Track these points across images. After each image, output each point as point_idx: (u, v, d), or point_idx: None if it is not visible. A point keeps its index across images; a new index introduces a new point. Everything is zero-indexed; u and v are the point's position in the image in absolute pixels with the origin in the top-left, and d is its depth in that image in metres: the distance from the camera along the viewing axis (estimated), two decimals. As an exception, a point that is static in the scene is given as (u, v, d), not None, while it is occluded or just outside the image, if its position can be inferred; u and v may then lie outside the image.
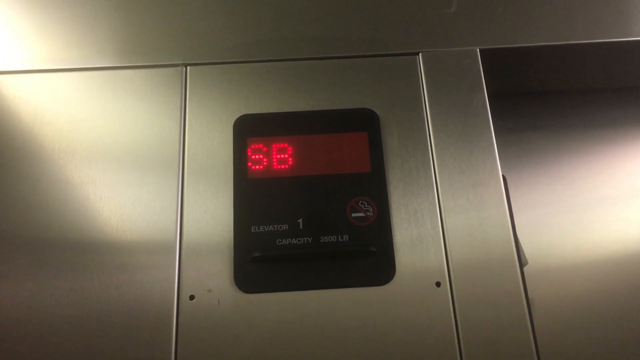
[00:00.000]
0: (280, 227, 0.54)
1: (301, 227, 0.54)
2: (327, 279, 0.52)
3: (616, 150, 0.75)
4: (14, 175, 0.56)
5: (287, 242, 0.54)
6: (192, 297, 0.52)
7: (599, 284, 0.68)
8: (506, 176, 0.57)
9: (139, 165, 0.57)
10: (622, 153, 0.75)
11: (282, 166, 0.56)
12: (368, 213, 0.55)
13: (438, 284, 0.52)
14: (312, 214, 0.54)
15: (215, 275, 0.53)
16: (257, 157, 0.57)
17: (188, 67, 0.61)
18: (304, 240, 0.54)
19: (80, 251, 0.53)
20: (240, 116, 0.59)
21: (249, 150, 0.57)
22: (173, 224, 0.54)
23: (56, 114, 0.59)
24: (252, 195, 0.55)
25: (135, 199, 0.55)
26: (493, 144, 0.58)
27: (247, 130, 0.58)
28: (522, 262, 0.53)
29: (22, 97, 0.60)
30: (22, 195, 0.55)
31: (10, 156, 0.57)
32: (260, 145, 0.57)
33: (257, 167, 0.56)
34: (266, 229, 0.54)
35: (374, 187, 0.56)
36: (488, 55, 0.62)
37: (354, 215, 0.54)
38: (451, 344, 0.51)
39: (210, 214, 0.55)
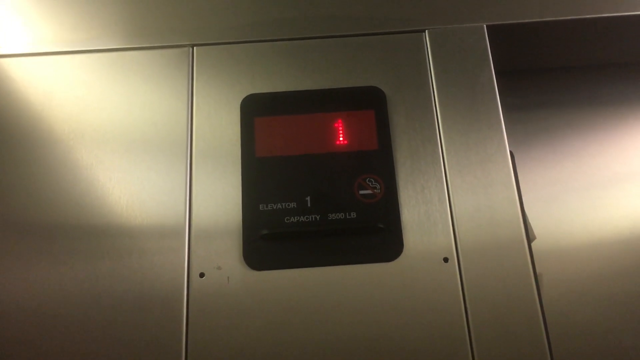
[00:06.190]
0: (289, 205, 0.54)
1: (309, 205, 0.54)
2: (335, 255, 0.53)
3: (626, 126, 0.74)
4: (24, 159, 0.57)
5: (295, 219, 0.54)
6: (202, 275, 0.52)
7: (608, 261, 0.68)
8: (514, 153, 0.57)
9: (148, 146, 0.57)
10: (633, 129, 0.74)
11: (290, 145, 0.57)
12: (375, 190, 0.55)
13: (446, 260, 0.52)
14: (319, 192, 0.55)
15: (224, 254, 0.53)
16: (264, 136, 0.57)
17: (195, 48, 0.61)
18: (312, 217, 0.54)
19: (90, 231, 0.54)
20: (247, 96, 0.59)
21: (256, 129, 0.57)
22: (182, 203, 0.55)
23: (65, 97, 0.59)
24: (260, 174, 0.56)
25: (144, 179, 0.56)
26: (500, 120, 0.57)
27: (255, 110, 0.58)
28: (529, 237, 0.53)
29: (31, 81, 0.60)
30: (33, 179, 0.56)
31: (20, 139, 0.58)
32: (268, 125, 0.58)
33: (265, 146, 0.57)
34: (274, 207, 0.54)
35: (381, 165, 0.56)
36: (495, 32, 0.62)
37: (361, 192, 0.55)
38: (459, 318, 0.51)
39: (219, 193, 0.55)
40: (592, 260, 0.68)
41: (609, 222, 0.70)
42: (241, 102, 0.59)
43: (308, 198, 0.54)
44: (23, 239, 0.54)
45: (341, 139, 0.57)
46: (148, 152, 0.57)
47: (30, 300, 0.52)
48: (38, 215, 0.55)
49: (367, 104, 0.58)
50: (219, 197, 0.55)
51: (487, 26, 0.62)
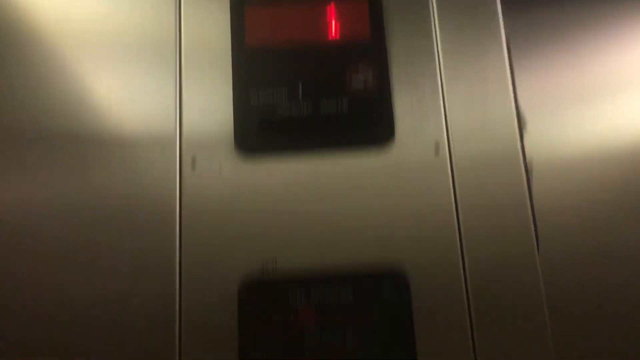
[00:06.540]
0: (280, 95, 0.54)
1: (301, 95, 0.54)
2: (326, 142, 0.53)
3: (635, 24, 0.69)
4: (8, 62, 0.55)
5: (287, 109, 0.53)
6: (193, 167, 0.52)
7: (606, 176, 0.66)
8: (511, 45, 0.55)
9: (136, 40, 0.56)
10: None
11: (281, 34, 0.55)
12: (368, 79, 0.54)
13: (437, 149, 0.53)
14: (311, 81, 0.54)
15: (216, 146, 0.53)
16: (254, 25, 0.56)
17: None
18: (303, 106, 0.53)
19: (81, 137, 0.53)
20: (237, -16, 0.57)
21: (247, 19, 0.56)
22: (172, 97, 0.54)
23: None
24: (250, 66, 0.55)
25: (133, 73, 0.55)
26: (497, 11, 0.56)
27: (245, -1, 0.57)
28: (522, 126, 0.53)
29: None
30: (19, 83, 0.55)
31: (3, 42, 0.56)
32: (258, 13, 0.56)
33: (255, 36, 0.55)
34: (266, 99, 0.54)
35: (374, 54, 0.55)
36: None
37: (353, 81, 0.54)
38: (449, 207, 0.51)
39: (209, 86, 0.55)
40: (589, 173, 0.66)
41: (608, 133, 0.67)
42: (231, -8, 0.57)
43: (300, 88, 0.54)
44: (11, 146, 0.53)
45: (333, 28, 0.55)
46: (136, 45, 0.56)
47: (20, 210, 0.51)
48: (27, 123, 0.54)
49: (360, -8, 0.57)
50: (209, 90, 0.55)
51: None
